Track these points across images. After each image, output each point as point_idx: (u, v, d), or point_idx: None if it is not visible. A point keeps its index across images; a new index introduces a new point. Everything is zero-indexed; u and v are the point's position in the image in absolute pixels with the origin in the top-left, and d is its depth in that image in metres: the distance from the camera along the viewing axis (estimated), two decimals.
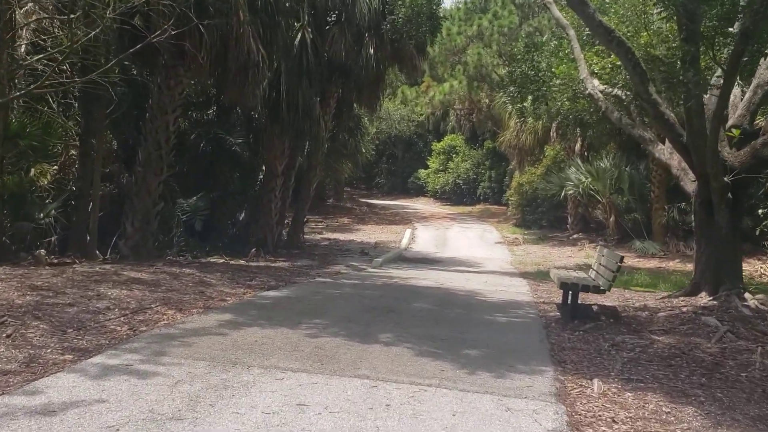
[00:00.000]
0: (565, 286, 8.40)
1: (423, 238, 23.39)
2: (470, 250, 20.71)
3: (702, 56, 9.28)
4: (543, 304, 9.87)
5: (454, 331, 7.15)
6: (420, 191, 41.25)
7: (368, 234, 24.07)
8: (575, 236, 22.96)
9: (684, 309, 9.11)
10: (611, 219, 20.61)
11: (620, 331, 8.02)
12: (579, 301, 8.67)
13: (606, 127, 18.49)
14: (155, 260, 12.12)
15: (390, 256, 17.83)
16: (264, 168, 16.85)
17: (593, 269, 9.65)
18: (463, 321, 7.84)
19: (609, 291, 8.50)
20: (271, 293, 9.09)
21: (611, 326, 8.22)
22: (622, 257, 8.18)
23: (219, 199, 17.29)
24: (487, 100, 31.24)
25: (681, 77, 8.88)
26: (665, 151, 10.98)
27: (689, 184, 10.21)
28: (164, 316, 6.99)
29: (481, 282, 12.89)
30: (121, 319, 6.69)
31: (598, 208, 21.50)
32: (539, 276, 15.16)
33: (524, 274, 15.48)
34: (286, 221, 19.05)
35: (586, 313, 8.79)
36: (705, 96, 9.73)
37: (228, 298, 8.34)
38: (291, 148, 17.31)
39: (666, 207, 19.78)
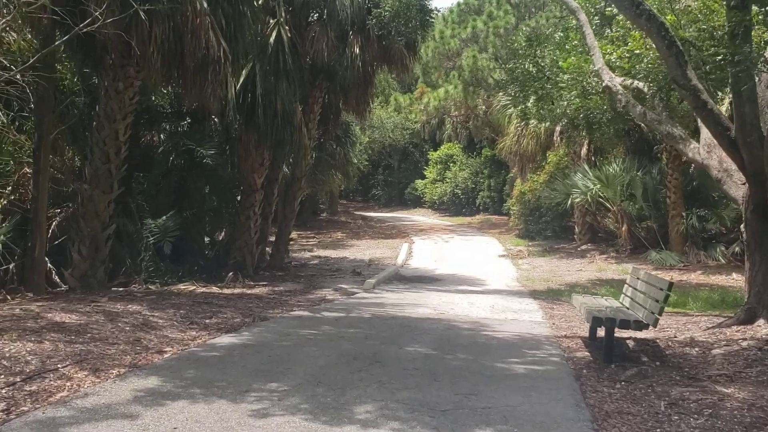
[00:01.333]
0: (597, 321, 6.50)
1: (421, 253, 21.50)
2: (472, 265, 18.82)
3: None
4: (565, 338, 7.98)
5: (458, 393, 5.24)
6: (417, 202, 39.42)
7: (362, 250, 22.19)
8: (583, 247, 21.08)
9: (743, 343, 7.22)
10: (623, 228, 18.76)
11: (672, 378, 6.13)
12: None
13: (619, 128, 16.68)
14: (106, 292, 10.25)
15: (385, 275, 15.93)
16: (243, 182, 14.97)
17: (626, 295, 7.77)
18: (469, 374, 5.94)
19: (655, 327, 6.60)
20: (227, 339, 7.16)
21: (658, 371, 6.33)
22: (671, 283, 6.29)
23: (194, 217, 15.42)
24: (483, 107, 29.46)
25: (728, 56, 7.05)
26: (700, 150, 9.12)
27: (735, 187, 8.34)
28: (67, 384, 5.09)
29: (487, 307, 10.99)
30: (2, 392, 4.80)
31: (608, 217, 19.65)
32: (551, 295, 13.31)
33: (534, 294, 13.60)
34: (270, 240, 17.20)
35: (622, 354, 6.90)
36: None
37: (167, 349, 6.43)
38: (271, 159, 15.48)
39: (684, 214, 17.91)
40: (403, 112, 28.44)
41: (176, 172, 15.13)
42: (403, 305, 10.74)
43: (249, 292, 12.50)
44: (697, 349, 7.20)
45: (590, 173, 19.33)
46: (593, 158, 20.72)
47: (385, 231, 27.58)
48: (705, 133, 9.14)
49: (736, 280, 15.74)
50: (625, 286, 7.93)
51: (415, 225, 29.85)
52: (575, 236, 21.96)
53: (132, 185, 15.25)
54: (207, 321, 8.22)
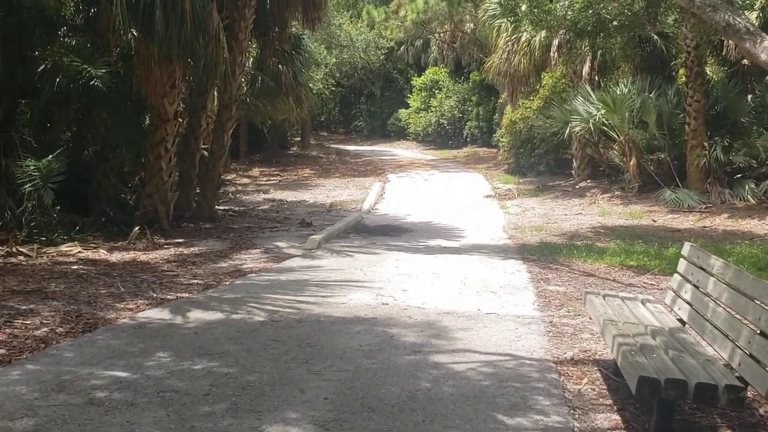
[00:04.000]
0: (649, 385, 3.13)
1: (395, 194, 18.14)
2: (451, 210, 15.50)
3: None
4: (572, 368, 4.66)
5: None
6: (401, 134, 35.72)
7: (328, 191, 18.80)
8: (583, 184, 17.71)
9: None
10: (632, 162, 15.33)
11: None
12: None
13: (631, 37, 13.05)
14: None
15: (339, 226, 12.60)
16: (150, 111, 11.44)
17: (680, 296, 4.39)
18: None
19: None
20: None
21: None
22: None
23: (98, 156, 12.02)
24: (471, 24, 25.51)
25: None
26: None
27: None
28: None
29: (457, 282, 7.68)
30: None
31: (613, 149, 16.19)
32: (545, 253, 10.05)
33: (523, 251, 10.33)
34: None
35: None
36: None
37: None
38: (196, 82, 11.96)
39: (705, 144, 14.46)
40: (377, 28, 24.53)
41: (75, 99, 11.63)
42: (337, 285, 7.41)
43: (143, 257, 9.22)
44: None
45: (593, 96, 15.74)
46: (597, 78, 17.09)
47: (360, 168, 24.11)
48: None
49: None
50: (678, 279, 4.55)
51: (395, 160, 26.34)
52: (573, 171, 18.54)
53: (16, 115, 11.86)
54: None
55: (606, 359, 4.70)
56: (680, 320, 4.25)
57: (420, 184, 19.77)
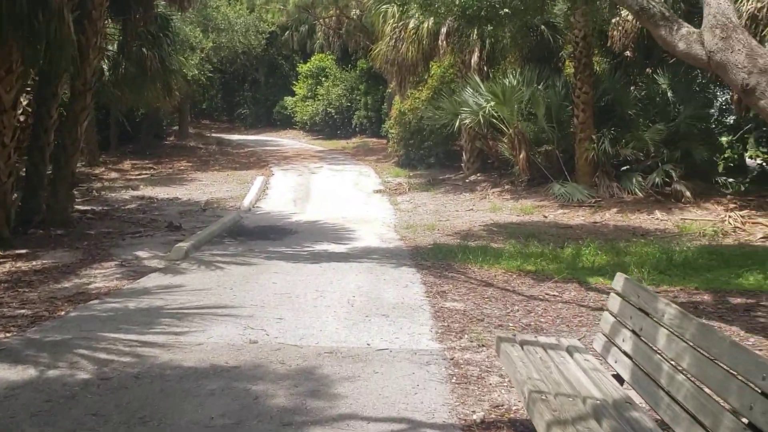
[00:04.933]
0: None
1: (279, 189, 16.83)
2: (340, 207, 14.43)
3: None
4: None
5: None
6: (288, 123, 34.14)
7: (204, 186, 17.20)
8: (473, 178, 17.10)
9: None
10: (521, 155, 14.79)
11: None
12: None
13: (522, 25, 12.42)
14: None
15: (213, 230, 11.20)
16: None
17: (618, 347, 3.46)
18: None
19: None
20: None
21: None
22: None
23: None
24: (358, 11, 24.40)
25: None
26: (706, 37, 4.93)
27: None
28: None
29: (342, 306, 6.56)
30: None
31: (503, 141, 15.63)
32: (439, 257, 9.18)
33: (416, 255, 9.42)
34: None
35: None
36: None
37: None
38: (47, 67, 10.13)
39: (594, 137, 14.14)
40: (258, 11, 22.88)
41: None
42: (197, 314, 6.10)
43: None
44: None
45: (482, 87, 15.08)
46: (485, 68, 16.45)
47: (242, 159, 22.50)
48: (716, 5, 4.92)
49: (662, 221, 12.29)
50: (610, 319, 3.62)
51: (280, 151, 24.88)
52: (463, 165, 17.91)
53: None
54: None
55: (523, 419, 3.75)
56: (616, 376, 3.35)
57: (307, 178, 18.52)
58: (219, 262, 8.85)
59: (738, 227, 11.55)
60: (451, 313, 6.31)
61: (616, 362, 3.35)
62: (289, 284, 7.52)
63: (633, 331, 3.27)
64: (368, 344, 5.22)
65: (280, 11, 23.28)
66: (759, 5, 11.05)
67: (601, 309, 6.47)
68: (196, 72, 20.71)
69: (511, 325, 5.90)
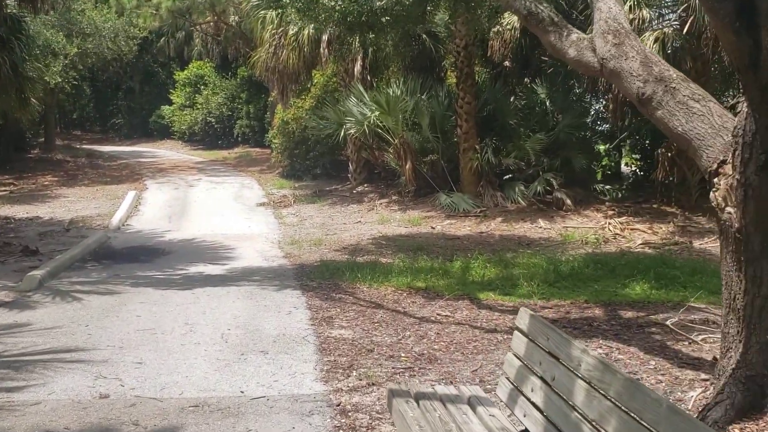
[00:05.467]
0: None
1: (153, 205, 15.61)
2: (220, 222, 13.52)
3: None
4: None
5: None
6: (165, 133, 32.39)
7: (70, 203, 15.68)
8: (360, 189, 16.63)
9: None
10: (407, 165, 14.46)
11: None
12: None
13: (404, 33, 12.08)
14: None
15: (75, 253, 10.02)
16: None
17: (523, 395, 3.01)
18: None
19: None
20: None
21: None
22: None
23: None
24: (236, 17, 23.33)
25: None
26: (598, 43, 4.64)
27: (704, 120, 3.93)
28: None
29: (215, 343, 5.79)
30: None
31: (388, 151, 15.26)
32: (327, 276, 8.60)
33: (301, 275, 8.78)
34: None
35: None
36: None
37: None
38: None
39: (477, 147, 14.04)
40: (128, 16, 21.35)
41: None
42: (41, 361, 5.15)
43: None
44: None
45: (366, 96, 14.65)
46: (369, 78, 16.04)
47: (113, 173, 20.87)
48: (607, 10, 4.66)
49: (545, 229, 12.31)
50: (515, 362, 3.15)
51: (156, 163, 23.36)
52: (350, 175, 17.40)
53: None
54: None
55: None
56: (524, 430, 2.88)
57: (184, 192, 17.35)
58: (78, 292, 7.80)
59: (618, 234, 11.74)
60: (339, 343, 5.71)
61: (525, 416, 2.88)
62: (155, 317, 6.65)
63: (543, 380, 2.80)
64: (242, 392, 4.52)
65: (152, 16, 21.81)
66: (631, 16, 11.29)
67: (494, 330, 6.11)
68: (60, 80, 18.92)
69: (403, 355, 5.38)
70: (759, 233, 3.41)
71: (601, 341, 5.48)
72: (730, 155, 3.52)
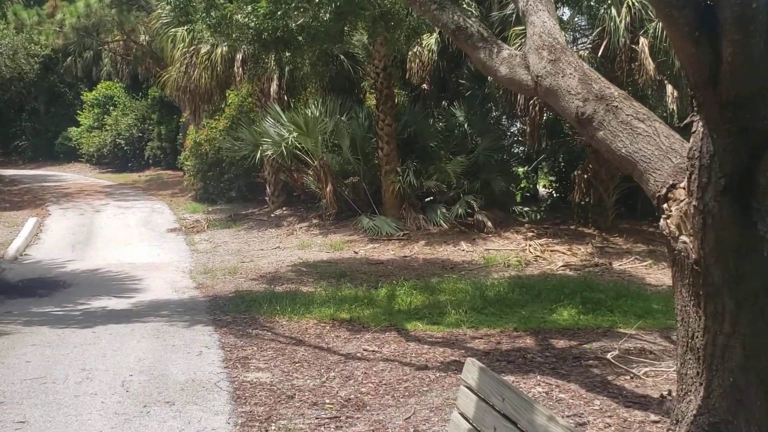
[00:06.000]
0: None
1: (55, 232, 14.41)
2: (127, 250, 12.56)
3: None
4: None
5: None
6: (72, 156, 30.51)
7: None
8: (278, 212, 15.94)
9: None
10: (328, 188, 13.93)
11: None
12: None
13: (322, 52, 11.63)
14: None
15: None
16: None
17: None
18: None
19: None
20: None
21: None
22: None
23: None
24: (147, 36, 22.25)
25: None
26: (532, 60, 4.30)
27: (650, 140, 3.61)
28: None
29: (114, 394, 5.04)
30: None
31: (308, 174, 14.69)
32: (242, 308, 7.99)
33: (214, 309, 8.10)
34: None
35: None
36: None
37: None
38: None
39: (399, 169, 13.68)
40: (29, 33, 19.87)
41: None
42: None
43: None
44: None
45: (284, 117, 14.05)
46: (286, 98, 15.47)
47: (13, 198, 19.28)
48: (541, 24, 4.33)
49: (468, 252, 12.05)
50: (463, 425, 2.67)
51: (61, 187, 21.83)
52: (267, 198, 16.69)
53: None
54: None
55: None
56: None
57: (90, 218, 16.13)
58: None
59: (539, 256, 11.60)
60: (256, 389, 5.08)
61: None
62: (48, 362, 5.82)
63: None
64: None
65: (55, 33, 20.38)
66: None
67: (425, 367, 5.63)
68: None
69: (327, 401, 4.81)
70: (719, 264, 3.08)
71: (538, 377, 5.10)
72: (686, 180, 3.19)
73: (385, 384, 5.17)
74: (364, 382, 5.25)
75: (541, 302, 8.25)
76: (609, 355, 4.99)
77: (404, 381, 5.22)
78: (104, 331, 6.99)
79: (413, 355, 6.06)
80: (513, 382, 4.95)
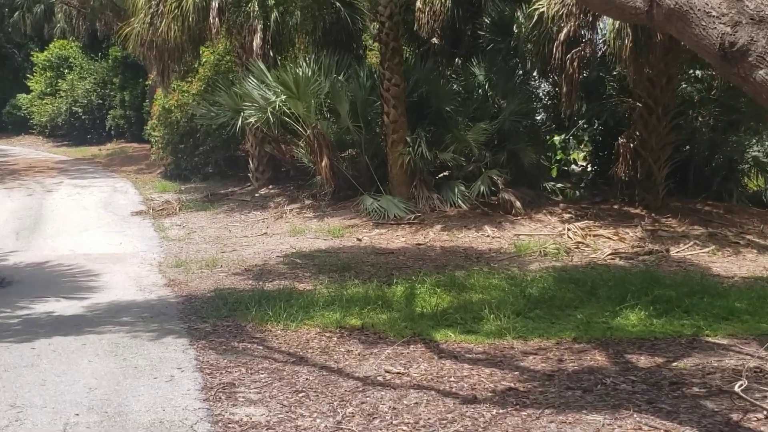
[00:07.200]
0: None
1: None
2: (83, 238, 11.69)
3: None
4: None
5: None
6: (23, 127, 29.82)
7: None
8: (264, 191, 14.99)
9: None
10: (323, 162, 12.89)
11: None
12: None
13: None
14: None
15: None
16: None
17: None
18: None
19: None
20: None
21: None
22: None
23: None
24: None
25: None
26: None
27: None
28: None
29: None
30: None
31: (299, 145, 13.69)
32: (222, 314, 7.15)
33: (188, 314, 7.25)
34: None
35: None
36: None
37: None
38: None
39: (408, 139, 12.67)
40: None
41: None
42: None
43: None
44: None
45: (269, 76, 12.99)
46: (272, 54, 14.42)
47: None
48: None
49: (494, 238, 11.17)
50: None
51: (7, 163, 20.86)
52: (251, 175, 15.75)
53: None
54: None
55: None
56: None
57: (39, 199, 15.22)
58: None
59: (580, 242, 10.77)
60: None
61: None
62: None
63: None
64: None
65: None
66: None
67: (474, 400, 4.66)
68: None
69: None
70: None
71: (636, 416, 4.13)
72: None
73: (423, 427, 4.20)
74: (395, 423, 4.27)
75: (598, 302, 7.38)
76: (736, 387, 4.04)
77: (450, 422, 4.24)
78: (47, 346, 6.02)
79: (452, 379, 5.11)
80: (604, 425, 3.98)
